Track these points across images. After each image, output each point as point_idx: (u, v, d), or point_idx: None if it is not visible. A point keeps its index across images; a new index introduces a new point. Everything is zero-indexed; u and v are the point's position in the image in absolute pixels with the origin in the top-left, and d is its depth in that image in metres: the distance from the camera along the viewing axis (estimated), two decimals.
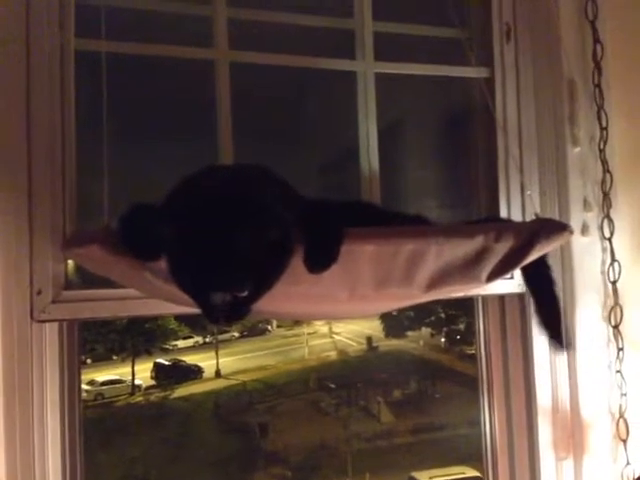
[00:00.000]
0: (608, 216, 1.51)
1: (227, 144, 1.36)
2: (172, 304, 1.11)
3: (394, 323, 7.64)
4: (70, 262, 1.23)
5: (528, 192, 1.50)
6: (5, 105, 1.19)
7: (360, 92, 1.49)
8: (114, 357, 7.42)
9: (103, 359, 7.29)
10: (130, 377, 7.19)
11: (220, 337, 7.98)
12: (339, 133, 1.60)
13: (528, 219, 1.50)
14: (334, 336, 8.14)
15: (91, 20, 1.22)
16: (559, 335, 1.24)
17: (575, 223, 1.47)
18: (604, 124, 1.51)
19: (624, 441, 1.49)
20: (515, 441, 1.54)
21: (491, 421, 1.57)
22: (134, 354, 7.35)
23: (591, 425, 1.50)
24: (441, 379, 7.33)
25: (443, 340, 7.92)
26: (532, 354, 1.50)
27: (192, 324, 7.36)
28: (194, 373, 7.46)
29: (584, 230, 1.51)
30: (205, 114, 1.40)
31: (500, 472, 1.55)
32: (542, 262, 1.22)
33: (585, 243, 1.51)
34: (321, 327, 8.12)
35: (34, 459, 1.18)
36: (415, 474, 5.82)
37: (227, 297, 0.92)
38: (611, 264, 1.51)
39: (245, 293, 0.92)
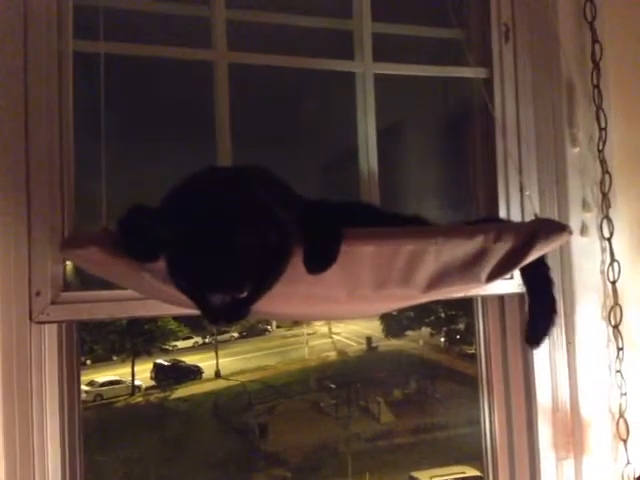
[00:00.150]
0: (607, 216, 1.51)
1: (226, 145, 1.35)
2: (171, 305, 1.11)
3: (394, 323, 7.65)
4: (69, 263, 1.23)
5: (527, 192, 1.50)
6: (4, 106, 1.18)
7: (359, 93, 1.49)
8: (114, 358, 7.42)
9: (103, 360, 7.30)
10: (130, 378, 7.19)
11: (220, 338, 7.98)
12: (338, 134, 1.60)
13: (527, 219, 1.50)
14: (334, 336, 8.14)
15: (89, 21, 1.22)
16: (539, 340, 1.23)
17: (574, 223, 1.48)
18: (603, 124, 1.51)
19: (624, 441, 1.49)
20: (515, 441, 1.54)
21: (491, 421, 1.57)
22: (134, 355, 7.36)
23: (591, 425, 1.50)
24: (441, 379, 7.34)
25: (443, 340, 7.92)
26: (532, 354, 1.50)
27: (192, 325, 7.37)
28: (194, 374, 7.46)
29: (583, 230, 1.51)
30: (204, 115, 1.40)
31: (500, 472, 1.55)
32: (541, 262, 1.22)
33: (584, 243, 1.51)
34: (321, 327, 8.12)
35: (34, 460, 1.18)
36: (415, 474, 5.83)
37: (226, 298, 0.92)
38: (610, 264, 1.52)
39: (244, 294, 0.92)
